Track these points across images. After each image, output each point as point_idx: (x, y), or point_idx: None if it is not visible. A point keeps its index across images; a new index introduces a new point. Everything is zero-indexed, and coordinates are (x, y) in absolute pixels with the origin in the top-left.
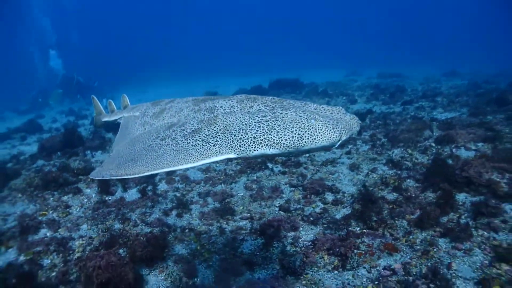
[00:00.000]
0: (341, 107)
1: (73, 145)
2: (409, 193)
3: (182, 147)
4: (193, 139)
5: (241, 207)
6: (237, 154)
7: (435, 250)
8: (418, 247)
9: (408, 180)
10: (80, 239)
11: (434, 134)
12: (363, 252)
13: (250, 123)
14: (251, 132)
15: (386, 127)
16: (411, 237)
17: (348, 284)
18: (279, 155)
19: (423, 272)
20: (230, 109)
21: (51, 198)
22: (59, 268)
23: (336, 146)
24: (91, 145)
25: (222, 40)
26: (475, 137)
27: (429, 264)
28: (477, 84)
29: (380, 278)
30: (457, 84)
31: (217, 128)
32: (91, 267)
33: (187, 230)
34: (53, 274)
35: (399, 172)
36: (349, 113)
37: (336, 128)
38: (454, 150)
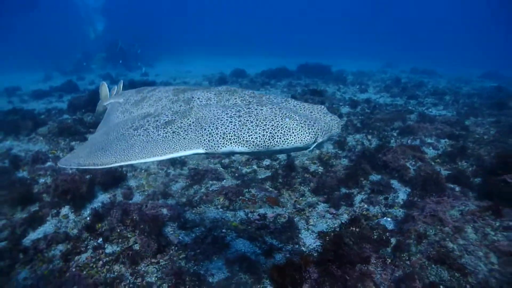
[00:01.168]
0: (323, 106)
1: (95, 104)
2: (331, 168)
3: (152, 138)
4: (164, 130)
5: (194, 161)
6: (205, 150)
7: (310, 210)
8: (300, 206)
9: (343, 159)
10: (70, 170)
11: (403, 124)
12: (247, 199)
13: (222, 118)
14: (222, 127)
15: (370, 115)
16: (301, 198)
17: (223, 219)
18: (248, 153)
19: (283, 221)
20: (206, 101)
21: (62, 143)
22: (47, 184)
23: (311, 148)
24: None
25: (265, 21)
26: (440, 132)
27: (295, 218)
28: (500, 88)
29: (249, 220)
30: (484, 86)
31: (190, 121)
32: (60, 179)
33: (143, 171)
34: (41, 187)
35: (340, 152)
36: (331, 113)
37: (311, 129)
38: (409, 141)
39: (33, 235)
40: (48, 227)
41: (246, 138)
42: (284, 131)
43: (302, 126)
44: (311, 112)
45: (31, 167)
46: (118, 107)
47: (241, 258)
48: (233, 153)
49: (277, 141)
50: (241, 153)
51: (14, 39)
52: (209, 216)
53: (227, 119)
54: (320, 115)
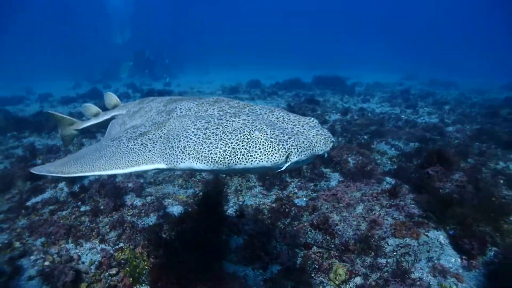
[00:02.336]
0: (313, 119)
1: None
2: None
3: (120, 150)
4: (134, 142)
5: None
6: (166, 164)
7: (246, 191)
8: (240, 188)
9: None
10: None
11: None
12: (197, 180)
13: (189, 129)
14: (184, 140)
15: (352, 121)
16: (246, 183)
17: (174, 193)
18: (208, 171)
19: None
20: (186, 111)
21: (75, 139)
22: None
23: (283, 168)
24: None
25: (296, 34)
26: (411, 136)
27: (231, 196)
28: (508, 98)
29: (195, 195)
30: (498, 97)
31: (162, 132)
32: None
33: None
34: None
35: None
36: (321, 127)
37: (282, 145)
38: (375, 143)
39: (34, 199)
40: (46, 195)
41: (205, 153)
42: (250, 147)
43: (271, 142)
44: (295, 125)
45: (45, 156)
46: (119, 119)
47: (167, 215)
48: (194, 170)
49: (239, 158)
50: (202, 171)
51: (50, 50)
52: (165, 191)
53: (192, 131)
54: (304, 129)
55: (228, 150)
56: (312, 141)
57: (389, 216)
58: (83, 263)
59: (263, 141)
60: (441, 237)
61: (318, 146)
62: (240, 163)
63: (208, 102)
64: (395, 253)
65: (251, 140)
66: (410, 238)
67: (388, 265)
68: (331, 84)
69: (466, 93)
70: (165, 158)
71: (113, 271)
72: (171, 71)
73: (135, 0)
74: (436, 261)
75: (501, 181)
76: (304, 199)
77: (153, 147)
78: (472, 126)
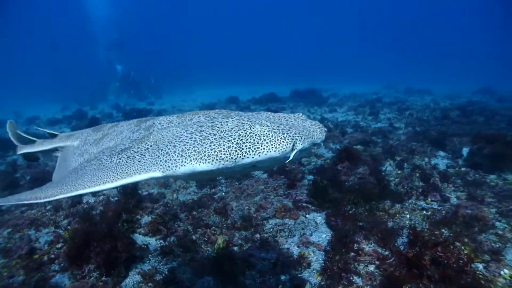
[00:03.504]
0: (301, 114)
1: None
2: None
3: (104, 166)
4: (119, 157)
5: None
6: (162, 172)
7: (183, 190)
8: (178, 188)
9: None
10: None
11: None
12: None
13: (182, 135)
14: (179, 144)
15: None
16: (186, 184)
17: None
18: (213, 172)
19: (156, 193)
20: (168, 124)
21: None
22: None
23: (291, 157)
24: None
25: (276, 49)
26: (354, 140)
27: (168, 194)
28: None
29: None
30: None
31: (148, 145)
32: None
33: None
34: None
35: None
36: (311, 120)
37: (287, 134)
38: (315, 148)
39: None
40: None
41: (208, 152)
42: (254, 140)
43: (274, 132)
44: (287, 120)
45: (25, 170)
46: (75, 150)
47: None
48: (194, 174)
49: (246, 152)
50: (205, 173)
51: (38, 74)
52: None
53: (186, 136)
54: (298, 122)
55: (233, 146)
56: (310, 130)
57: (279, 202)
58: (39, 242)
59: (266, 133)
60: (319, 218)
61: (316, 134)
62: (248, 157)
63: (190, 113)
64: (271, 230)
65: (253, 133)
66: (289, 219)
67: (261, 238)
68: (307, 96)
69: (438, 99)
70: (160, 165)
71: (59, 245)
72: (157, 91)
73: (119, 22)
74: (308, 236)
75: (417, 174)
76: (222, 193)
77: (142, 158)
78: (421, 128)
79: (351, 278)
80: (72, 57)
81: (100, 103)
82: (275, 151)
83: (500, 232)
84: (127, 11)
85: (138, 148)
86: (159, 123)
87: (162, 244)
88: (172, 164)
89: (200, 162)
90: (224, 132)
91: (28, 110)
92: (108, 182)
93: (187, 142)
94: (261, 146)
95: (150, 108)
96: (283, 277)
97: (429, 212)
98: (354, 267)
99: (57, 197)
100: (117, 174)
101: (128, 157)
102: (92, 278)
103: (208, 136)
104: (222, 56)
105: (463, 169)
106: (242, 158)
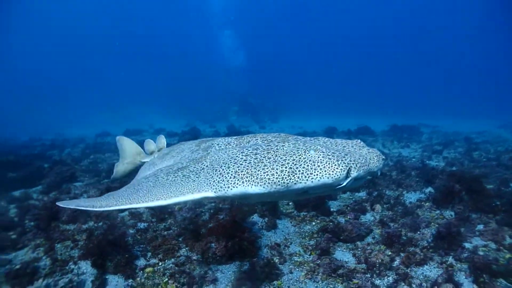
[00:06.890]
0: (359, 140)
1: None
2: None
3: (159, 183)
4: (175, 175)
5: None
6: (215, 192)
7: None
8: None
9: None
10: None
11: None
12: None
13: (237, 157)
14: (234, 166)
15: None
16: None
17: None
18: (264, 195)
19: None
20: (225, 145)
21: None
22: None
23: (344, 184)
24: None
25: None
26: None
27: None
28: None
29: None
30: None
31: (204, 165)
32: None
33: None
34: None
35: None
36: (369, 147)
37: (341, 160)
38: None
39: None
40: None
41: (261, 175)
42: (308, 165)
43: (329, 158)
44: (344, 146)
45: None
46: (150, 162)
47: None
48: (246, 196)
49: (298, 177)
50: (257, 196)
51: (168, 93)
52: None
53: (241, 157)
54: (355, 149)
55: (286, 170)
56: (366, 158)
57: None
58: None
59: (321, 159)
60: None
61: (373, 162)
62: (300, 182)
63: (248, 136)
64: None
65: (307, 159)
66: None
67: None
68: (404, 132)
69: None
70: (213, 185)
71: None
72: (274, 115)
73: (247, 51)
74: None
75: None
76: None
77: (197, 177)
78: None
79: None
80: (202, 81)
81: (219, 122)
82: (328, 178)
83: None
84: (252, 38)
85: (195, 167)
86: (217, 144)
87: None
88: (224, 184)
89: (252, 184)
90: (279, 156)
91: (158, 122)
92: (161, 199)
93: (241, 164)
94: (314, 172)
95: (253, 130)
96: None
97: None
98: None
99: (110, 208)
100: (171, 192)
101: (183, 176)
102: None
103: (262, 159)
104: (345, 84)
105: None
106: (295, 183)
